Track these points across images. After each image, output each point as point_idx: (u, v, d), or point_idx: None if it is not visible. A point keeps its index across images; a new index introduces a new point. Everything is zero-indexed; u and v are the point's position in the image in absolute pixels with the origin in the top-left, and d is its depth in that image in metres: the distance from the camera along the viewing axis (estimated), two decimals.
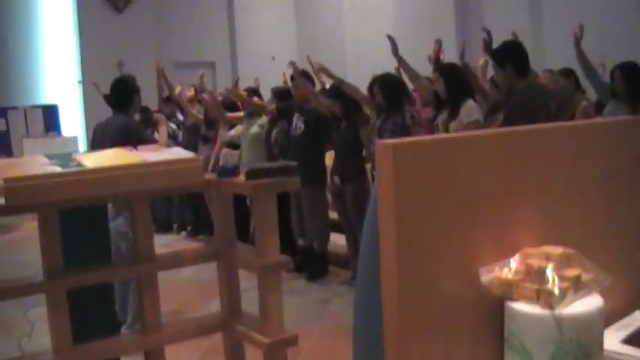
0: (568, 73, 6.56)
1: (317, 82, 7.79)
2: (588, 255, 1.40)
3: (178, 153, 3.99)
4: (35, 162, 3.84)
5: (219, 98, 9.01)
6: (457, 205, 1.26)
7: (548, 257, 1.34)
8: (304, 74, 7.30)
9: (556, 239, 1.42)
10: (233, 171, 3.83)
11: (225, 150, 8.61)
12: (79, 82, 14.03)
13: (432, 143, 1.25)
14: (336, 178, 6.91)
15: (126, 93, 5.60)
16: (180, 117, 10.21)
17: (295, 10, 16.76)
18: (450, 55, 7.14)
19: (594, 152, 1.59)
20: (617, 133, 1.70)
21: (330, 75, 7.14)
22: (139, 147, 4.13)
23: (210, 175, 4.08)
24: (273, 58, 15.60)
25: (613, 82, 5.79)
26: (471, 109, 5.68)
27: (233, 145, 8.51)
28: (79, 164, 3.69)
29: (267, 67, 14.54)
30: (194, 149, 9.09)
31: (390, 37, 6.47)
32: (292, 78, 7.54)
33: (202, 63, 15.09)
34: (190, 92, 9.87)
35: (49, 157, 3.90)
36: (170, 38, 14.91)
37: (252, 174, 3.62)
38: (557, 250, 1.36)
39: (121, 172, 3.59)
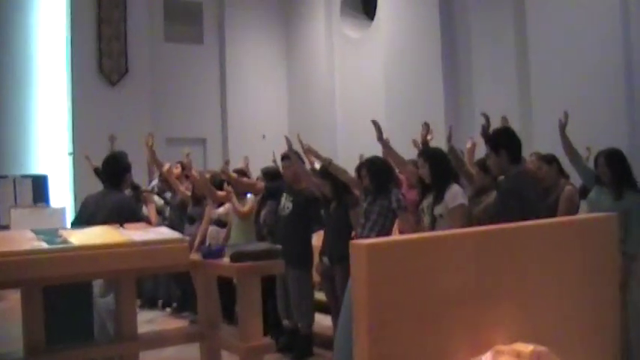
0: (550, 159, 6.66)
1: (306, 162, 7.86)
2: (564, 352, 1.43)
3: (164, 233, 4.03)
4: (22, 237, 3.86)
5: (207, 176, 9.03)
6: (431, 303, 1.29)
7: (519, 355, 1.37)
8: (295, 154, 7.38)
9: (530, 336, 1.44)
10: (218, 252, 3.85)
11: (212, 228, 8.62)
12: (70, 153, 14.08)
13: (405, 243, 1.29)
14: (325, 260, 6.90)
15: (117, 170, 5.62)
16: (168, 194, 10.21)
17: (288, 89, 17.02)
18: (438, 138, 7.25)
19: (569, 249, 1.62)
20: (592, 230, 1.74)
21: (317, 156, 7.21)
22: (126, 225, 4.16)
23: (195, 256, 4.09)
24: (264, 136, 15.77)
25: (597, 168, 5.87)
26: (455, 193, 5.73)
27: (221, 223, 8.51)
28: (65, 241, 3.71)
29: (257, 145, 14.69)
30: (180, 227, 9.10)
31: (374, 123, 6.55)
32: (283, 157, 7.60)
33: (193, 139, 15.25)
34: (177, 169, 9.90)
35: (35, 232, 3.92)
36: (162, 113, 15.07)
37: (237, 257, 3.65)
38: (527, 348, 1.38)
39: (106, 250, 3.62)
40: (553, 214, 6.25)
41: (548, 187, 6.47)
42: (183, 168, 9.96)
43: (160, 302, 10.21)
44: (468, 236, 1.41)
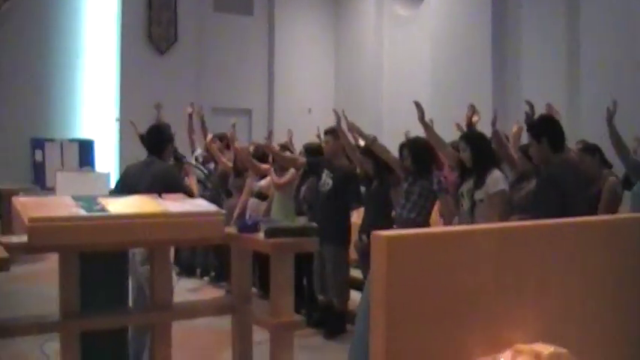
0: (593, 150, 6.53)
1: (351, 138, 7.80)
2: (585, 355, 1.40)
3: (201, 205, 4.05)
4: (61, 203, 3.92)
5: (251, 148, 9.04)
6: (450, 299, 1.27)
7: (537, 356, 1.35)
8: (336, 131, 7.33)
9: (552, 337, 1.42)
10: (254, 226, 3.87)
11: (252, 200, 8.66)
12: (117, 119, 14.23)
13: (427, 237, 1.27)
14: (364, 238, 6.88)
15: (161, 140, 5.66)
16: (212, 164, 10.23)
17: (335, 65, 16.95)
18: (483, 122, 7.15)
19: (595, 249, 1.59)
20: (619, 230, 1.70)
21: (361, 134, 7.18)
22: (164, 195, 4.19)
23: (230, 229, 4.11)
24: (310, 110, 15.75)
25: None
26: (496, 179, 5.67)
27: (261, 196, 8.54)
28: (103, 209, 3.76)
29: (302, 118, 14.66)
30: (220, 198, 9.15)
31: (416, 104, 6.49)
32: (326, 132, 7.56)
33: (239, 110, 15.28)
34: (215, 144, 9.84)
35: (75, 198, 3.97)
36: (209, 83, 15.14)
37: (271, 232, 3.66)
38: (547, 349, 1.36)
39: (143, 220, 3.65)
40: (595, 206, 6.16)
41: (591, 178, 6.35)
42: (221, 140, 9.96)
43: (198, 271, 10.30)
44: (490, 232, 1.39)
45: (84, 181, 11.80)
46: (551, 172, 5.05)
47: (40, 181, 13.67)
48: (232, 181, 9.26)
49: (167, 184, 4.82)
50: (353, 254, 7.37)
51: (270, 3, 16.40)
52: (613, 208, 6.24)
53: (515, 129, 7.04)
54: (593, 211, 6.05)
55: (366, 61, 15.86)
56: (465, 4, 12.86)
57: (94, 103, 14.53)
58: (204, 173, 9.96)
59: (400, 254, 1.15)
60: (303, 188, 7.80)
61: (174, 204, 3.96)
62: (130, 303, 4.77)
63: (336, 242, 6.97)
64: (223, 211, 3.99)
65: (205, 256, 10.08)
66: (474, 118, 7.17)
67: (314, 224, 3.89)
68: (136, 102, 13.85)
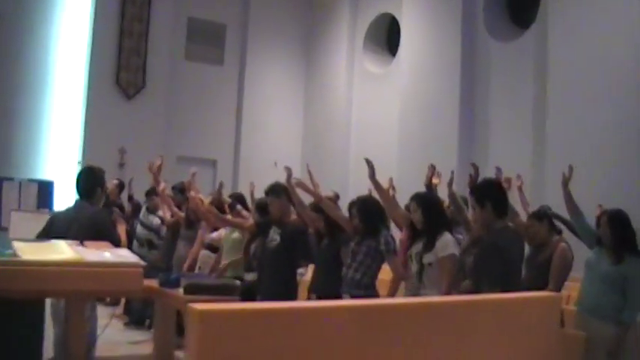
0: (541, 216, 6.40)
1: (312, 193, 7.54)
2: None
3: (122, 255, 3.84)
4: None
5: (208, 200, 8.83)
6: None
7: None
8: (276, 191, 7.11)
9: None
10: (176, 282, 3.66)
11: (203, 252, 8.43)
12: (79, 162, 14.00)
13: (247, 313, 1.09)
14: (313, 297, 6.63)
15: (92, 185, 5.47)
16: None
17: (304, 118, 16.89)
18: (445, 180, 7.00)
19: (471, 330, 1.42)
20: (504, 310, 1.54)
21: (308, 190, 7.00)
22: (88, 243, 3.98)
23: (150, 283, 3.89)
24: (275, 164, 15.57)
25: (598, 228, 5.63)
26: (446, 242, 5.50)
27: (212, 247, 8.33)
28: (14, 254, 3.54)
29: (268, 171, 14.45)
30: (173, 247, 8.92)
31: (367, 161, 6.36)
32: (266, 193, 7.28)
33: (204, 160, 15.14)
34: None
35: None
36: (175, 131, 14.99)
37: (191, 289, 3.45)
38: None
39: (55, 268, 3.43)
40: (546, 272, 6.01)
41: (540, 245, 6.23)
42: (182, 192, 9.66)
43: (147, 322, 9.97)
44: (330, 311, 1.21)
45: (39, 222, 11.44)
46: (494, 238, 4.89)
47: None
48: (183, 232, 8.99)
49: (96, 230, 4.62)
50: None
51: (241, 54, 16.38)
52: (564, 275, 6.11)
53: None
54: (543, 278, 5.91)
55: (334, 115, 15.82)
56: (435, 63, 12.90)
57: (57, 144, 14.30)
58: (159, 217, 9.72)
59: (214, 330, 0.97)
60: (253, 246, 7.54)
61: (94, 253, 3.74)
62: (52, 353, 4.51)
63: (280, 300, 6.71)
64: (143, 263, 3.76)
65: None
66: (435, 180, 7.05)
67: (236, 282, 3.68)
68: (100, 146, 13.70)
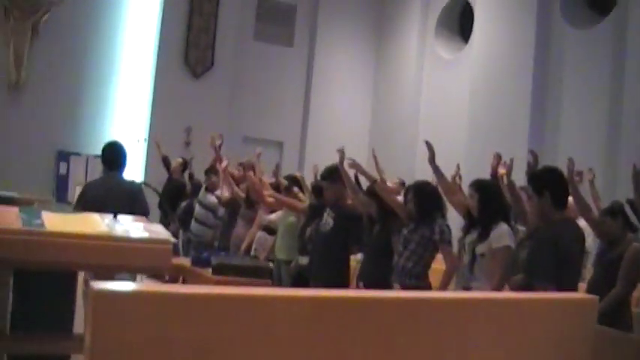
0: (615, 211, 6.00)
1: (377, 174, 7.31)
2: None
3: (154, 231, 3.69)
4: (5, 214, 3.62)
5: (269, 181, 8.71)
6: None
7: None
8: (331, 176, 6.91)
9: None
10: (207, 261, 3.52)
11: (260, 233, 8.30)
12: (145, 139, 14.07)
13: (150, 296, 0.91)
14: (361, 285, 6.40)
15: (116, 155, 5.52)
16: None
17: (372, 102, 16.58)
18: (520, 169, 6.65)
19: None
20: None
21: (364, 173, 6.79)
22: (122, 217, 3.85)
23: (182, 261, 3.76)
24: (343, 147, 15.39)
25: None
26: (502, 233, 5.22)
27: (269, 229, 8.19)
28: (41, 224, 3.44)
29: (335, 154, 14.27)
30: (231, 226, 8.85)
31: (427, 144, 6.12)
32: (322, 178, 7.11)
33: (270, 141, 15.00)
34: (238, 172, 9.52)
35: (22, 210, 3.67)
36: (242, 111, 14.86)
37: (219, 268, 3.30)
38: None
39: (80, 241, 3.32)
40: (615, 271, 5.65)
41: (612, 242, 5.87)
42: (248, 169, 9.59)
43: None
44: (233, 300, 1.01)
45: None
46: (551, 232, 4.54)
47: (62, 194, 13.56)
48: (243, 211, 8.88)
49: (131, 203, 4.58)
50: None
51: (311, 36, 16.14)
52: (633, 275, 5.71)
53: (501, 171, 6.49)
54: (610, 277, 5.57)
55: (403, 100, 15.49)
56: (508, 51, 12.47)
57: (123, 121, 14.38)
58: (217, 197, 9.65)
59: (107, 311, 0.79)
60: (309, 229, 7.36)
61: (125, 227, 3.62)
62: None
63: (331, 286, 6.50)
64: (173, 240, 3.61)
65: None
66: (501, 170, 6.70)
67: (269, 264, 3.51)
68: (166, 124, 13.73)
